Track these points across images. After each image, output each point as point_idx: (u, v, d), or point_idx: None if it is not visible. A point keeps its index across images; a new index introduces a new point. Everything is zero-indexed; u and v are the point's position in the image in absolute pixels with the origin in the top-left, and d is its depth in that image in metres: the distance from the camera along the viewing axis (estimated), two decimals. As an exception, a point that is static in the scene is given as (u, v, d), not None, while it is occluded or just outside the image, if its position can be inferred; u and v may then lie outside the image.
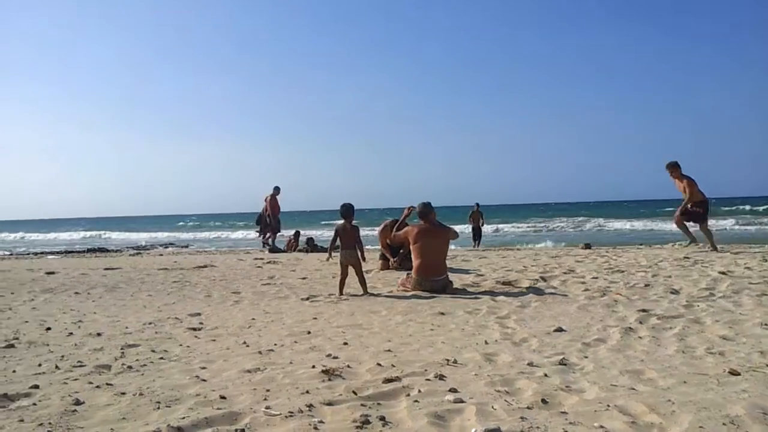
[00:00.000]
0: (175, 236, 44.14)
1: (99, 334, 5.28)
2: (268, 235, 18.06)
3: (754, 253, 11.13)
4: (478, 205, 21.08)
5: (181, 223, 63.22)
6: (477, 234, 20.73)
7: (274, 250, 17.29)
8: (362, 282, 7.47)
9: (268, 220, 17.85)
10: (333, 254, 7.81)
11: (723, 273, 8.10)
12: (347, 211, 7.56)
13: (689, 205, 11.61)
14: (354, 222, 7.60)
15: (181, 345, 4.79)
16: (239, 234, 42.62)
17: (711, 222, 13.20)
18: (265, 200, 17.97)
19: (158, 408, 3.11)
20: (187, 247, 27.79)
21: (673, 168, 11.76)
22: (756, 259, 9.68)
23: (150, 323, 5.83)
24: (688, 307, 5.90)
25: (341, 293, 7.37)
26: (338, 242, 7.57)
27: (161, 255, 18.72)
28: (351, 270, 7.47)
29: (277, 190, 18.05)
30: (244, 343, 4.80)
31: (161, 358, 4.33)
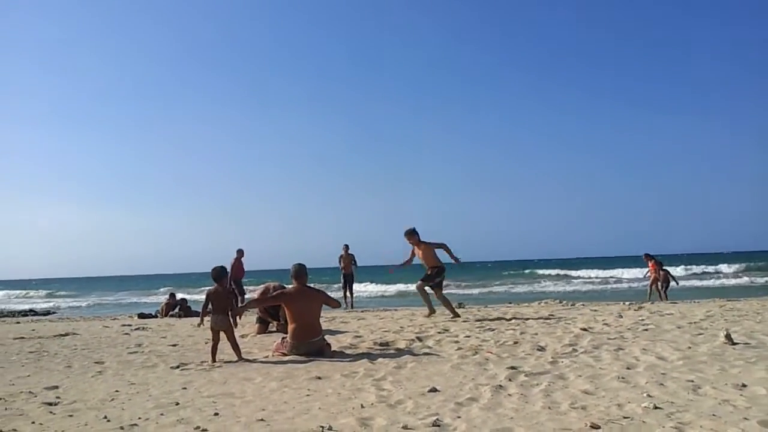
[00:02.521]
0: (34, 302, 40.96)
1: (-63, 415, 4.76)
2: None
3: (610, 310, 11.90)
4: (347, 246, 17.97)
5: (44, 290, 58.38)
6: (349, 282, 17.82)
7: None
8: (235, 348, 7.24)
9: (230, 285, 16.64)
10: (205, 320, 7.55)
11: (584, 329, 8.60)
12: (219, 274, 7.39)
13: (427, 270, 11.39)
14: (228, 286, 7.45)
15: (33, 422, 4.41)
16: (109, 298, 40.30)
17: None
18: (231, 264, 16.85)
19: (2, 496, 2.83)
20: (48, 314, 25.82)
21: (410, 235, 11.43)
22: (612, 315, 10.36)
23: (-1, 399, 5.32)
24: (554, 363, 6.19)
25: (214, 360, 7.10)
26: (210, 307, 7.34)
27: (18, 323, 17.26)
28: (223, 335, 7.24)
29: (240, 252, 16.97)
30: (105, 417, 4.49)
31: (9, 438, 3.96)
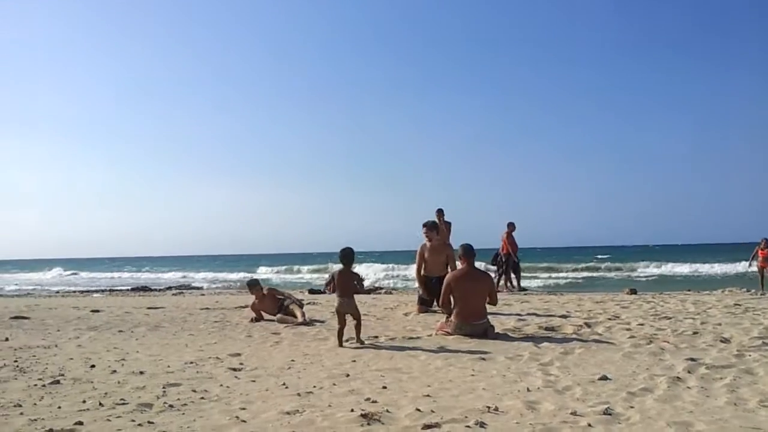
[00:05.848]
0: (217, 276, 44.66)
1: (142, 373, 5.35)
2: (513, 277, 16.79)
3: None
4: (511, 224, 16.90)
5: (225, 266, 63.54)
6: (509, 264, 16.67)
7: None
8: (358, 330, 7.06)
9: (503, 259, 16.64)
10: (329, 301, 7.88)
11: (776, 321, 7.82)
12: (346, 256, 7.08)
13: None
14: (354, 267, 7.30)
15: (221, 385, 4.82)
16: (282, 276, 43.02)
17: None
18: (502, 238, 16.77)
19: (198, 448, 3.12)
20: (229, 287, 28.05)
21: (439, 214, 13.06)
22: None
23: (191, 363, 5.88)
24: (740, 356, 5.70)
25: (340, 344, 6.90)
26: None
27: (203, 295, 18.95)
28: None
29: (512, 226, 16.71)
30: (284, 384, 4.80)
31: (202, 397, 4.36)
